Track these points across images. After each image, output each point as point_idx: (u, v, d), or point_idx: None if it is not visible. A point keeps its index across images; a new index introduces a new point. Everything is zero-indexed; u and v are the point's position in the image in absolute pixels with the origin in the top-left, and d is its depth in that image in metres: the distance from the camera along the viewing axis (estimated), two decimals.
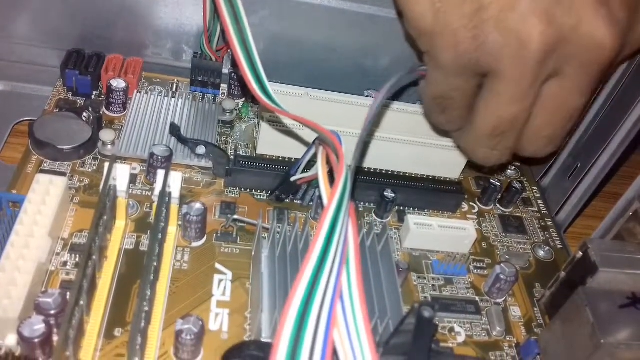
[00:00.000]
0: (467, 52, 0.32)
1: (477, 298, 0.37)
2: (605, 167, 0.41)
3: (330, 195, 0.25)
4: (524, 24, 0.31)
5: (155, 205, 0.32)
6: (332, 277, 0.22)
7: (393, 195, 0.39)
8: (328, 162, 0.31)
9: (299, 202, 0.40)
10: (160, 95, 0.44)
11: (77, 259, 0.32)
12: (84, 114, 0.39)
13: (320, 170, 0.31)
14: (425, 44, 0.34)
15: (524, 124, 0.34)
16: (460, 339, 0.34)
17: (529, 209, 0.45)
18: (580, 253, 0.34)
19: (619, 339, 0.30)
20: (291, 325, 0.21)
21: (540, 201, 0.45)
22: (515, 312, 0.37)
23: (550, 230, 0.43)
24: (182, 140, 0.39)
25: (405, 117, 0.41)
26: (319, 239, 0.23)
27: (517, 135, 0.35)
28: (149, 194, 0.37)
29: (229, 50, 0.45)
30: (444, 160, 0.42)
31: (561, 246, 0.42)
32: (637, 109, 0.38)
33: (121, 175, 0.33)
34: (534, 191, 0.46)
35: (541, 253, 0.41)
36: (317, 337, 0.21)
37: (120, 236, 0.34)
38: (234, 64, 0.43)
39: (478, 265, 0.39)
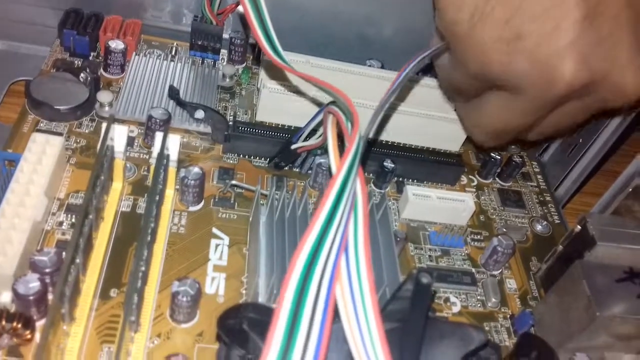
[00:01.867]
0: (493, 70, 0.32)
1: (473, 269, 0.37)
2: (606, 145, 0.41)
3: (343, 157, 0.25)
4: (559, 62, 0.30)
5: (152, 167, 0.32)
6: (338, 234, 0.22)
7: (392, 165, 0.39)
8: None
9: (297, 169, 0.39)
10: (159, 59, 0.43)
11: (72, 219, 0.32)
12: (82, 74, 0.38)
13: (330, 137, 0.30)
14: (453, 44, 0.34)
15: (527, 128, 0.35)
16: (456, 309, 0.35)
17: (528, 183, 0.44)
18: (579, 227, 0.34)
19: (614, 312, 0.30)
20: (296, 280, 0.20)
21: (539, 176, 0.45)
22: (511, 284, 0.37)
23: (549, 205, 0.43)
24: (180, 103, 0.39)
25: (408, 87, 0.41)
26: (328, 199, 0.23)
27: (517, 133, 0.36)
28: (147, 157, 0.37)
29: (229, 14, 0.44)
30: (445, 133, 0.42)
31: (559, 221, 0.42)
32: None
33: (119, 136, 0.32)
34: (533, 166, 0.46)
35: (539, 227, 0.41)
36: (319, 294, 0.20)
37: (117, 198, 0.33)
38: (244, 24, 0.42)
39: (475, 237, 0.39)
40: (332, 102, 0.32)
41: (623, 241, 0.33)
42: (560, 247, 0.36)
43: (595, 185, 0.46)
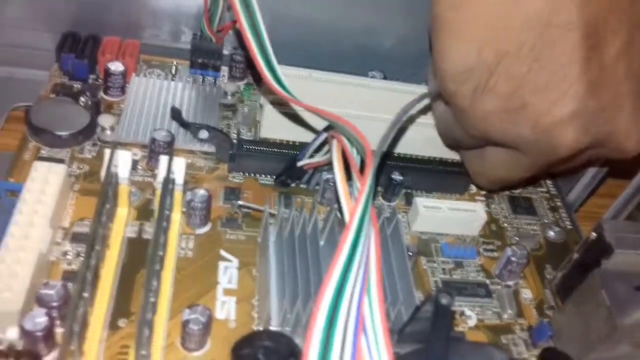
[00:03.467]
0: (495, 136, 0.33)
1: (487, 281, 0.36)
2: None
3: (356, 202, 0.24)
4: (562, 130, 0.30)
5: (158, 192, 0.31)
6: (356, 288, 0.21)
7: (401, 177, 0.38)
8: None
9: (304, 186, 0.39)
10: (160, 78, 0.42)
11: (78, 248, 0.32)
12: (82, 98, 0.38)
13: (336, 169, 0.30)
14: (452, 110, 0.34)
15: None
16: (472, 322, 0.34)
17: (538, 189, 0.44)
18: (594, 234, 0.33)
19: (635, 321, 0.29)
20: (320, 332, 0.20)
21: (549, 181, 0.45)
22: (527, 294, 0.36)
23: (560, 210, 0.42)
24: (183, 124, 0.38)
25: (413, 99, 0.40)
26: (341, 254, 0.22)
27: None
28: (151, 180, 0.36)
29: (229, 32, 0.44)
30: None
31: (572, 227, 0.41)
32: None
33: (123, 162, 0.32)
34: None
35: (551, 234, 0.40)
36: (345, 344, 0.20)
37: (122, 224, 0.33)
38: (242, 45, 0.42)
39: (488, 247, 0.38)
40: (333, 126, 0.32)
41: None
42: (575, 255, 0.35)
43: (609, 186, 0.45)
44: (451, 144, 0.40)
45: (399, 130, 0.40)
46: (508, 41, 0.30)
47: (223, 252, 0.34)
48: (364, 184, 0.25)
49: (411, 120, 0.40)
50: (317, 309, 0.20)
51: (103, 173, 0.33)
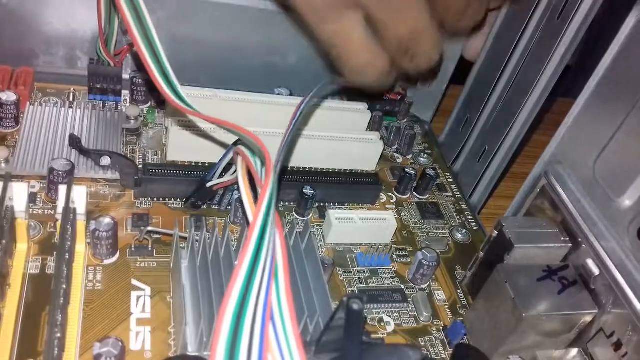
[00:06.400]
0: None
1: (402, 286, 0.37)
2: (511, 149, 0.43)
3: (257, 210, 0.24)
4: None
5: (59, 223, 0.30)
6: (261, 295, 0.21)
7: (312, 191, 0.39)
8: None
9: (216, 207, 0.38)
10: (56, 107, 0.41)
11: None
12: None
13: (241, 182, 0.30)
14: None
15: None
16: (390, 328, 0.35)
17: (444, 194, 0.46)
18: (496, 232, 0.35)
19: (539, 311, 0.31)
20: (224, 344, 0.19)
21: (453, 186, 0.47)
22: (440, 296, 0.37)
23: (466, 213, 0.44)
24: (83, 152, 0.37)
25: (319, 112, 0.41)
26: (245, 259, 0.22)
27: None
28: (52, 212, 0.34)
29: (127, 55, 0.43)
30: (359, 153, 0.43)
31: (477, 227, 0.43)
32: (535, 92, 0.40)
33: (18, 194, 0.30)
34: (447, 176, 0.47)
35: (459, 236, 0.42)
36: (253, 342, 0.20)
37: (23, 260, 0.31)
38: (141, 68, 0.41)
39: (400, 253, 0.39)
40: (239, 141, 0.32)
41: (538, 241, 0.34)
42: (481, 254, 0.37)
43: (507, 188, 0.48)
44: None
45: (305, 145, 0.40)
46: None
47: (134, 281, 0.32)
48: (266, 187, 0.25)
49: (317, 134, 0.40)
50: (223, 312, 0.20)
51: None
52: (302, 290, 0.31)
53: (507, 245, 0.34)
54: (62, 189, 0.30)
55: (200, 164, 0.40)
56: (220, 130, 0.38)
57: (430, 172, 0.44)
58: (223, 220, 0.38)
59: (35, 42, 0.42)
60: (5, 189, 0.29)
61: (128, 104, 0.43)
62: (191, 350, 0.28)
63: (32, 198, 0.35)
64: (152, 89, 0.42)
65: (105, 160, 0.36)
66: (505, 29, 0.44)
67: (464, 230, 0.43)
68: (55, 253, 0.32)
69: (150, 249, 0.34)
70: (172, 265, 0.34)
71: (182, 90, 0.32)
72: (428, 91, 0.51)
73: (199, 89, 0.40)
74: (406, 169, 0.43)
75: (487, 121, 0.45)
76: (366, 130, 0.45)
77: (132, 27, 0.31)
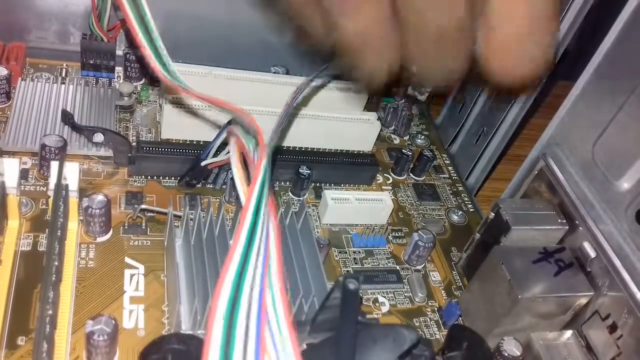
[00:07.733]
0: None
1: (397, 267, 0.37)
2: (509, 131, 0.42)
3: (249, 191, 0.24)
4: None
5: (51, 200, 0.30)
6: (259, 262, 0.21)
7: (308, 171, 0.38)
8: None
9: (210, 186, 0.38)
10: (49, 82, 0.40)
11: None
12: None
13: (234, 164, 0.29)
14: None
15: None
16: (385, 308, 0.34)
17: (441, 175, 0.45)
18: (493, 214, 0.35)
19: (534, 293, 0.31)
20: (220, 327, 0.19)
21: (450, 167, 0.46)
22: (435, 277, 0.37)
23: (462, 194, 0.44)
24: (76, 128, 0.36)
25: (316, 92, 0.41)
26: (238, 242, 0.22)
27: None
28: (44, 189, 0.34)
29: (121, 30, 0.42)
30: (356, 133, 0.42)
31: (473, 209, 0.43)
32: None
33: (9, 169, 0.30)
34: (443, 158, 0.47)
35: (455, 217, 0.42)
36: (248, 341, 0.19)
37: (14, 237, 0.31)
38: (133, 44, 0.40)
39: (396, 234, 0.39)
40: (234, 120, 0.31)
41: (535, 223, 0.34)
42: (477, 235, 0.36)
43: (504, 170, 0.48)
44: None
45: (302, 124, 0.40)
46: None
47: (128, 259, 0.32)
48: (258, 169, 0.24)
49: (314, 114, 0.40)
50: (216, 297, 0.19)
51: None
52: (297, 270, 0.30)
53: (504, 227, 0.34)
54: (54, 165, 0.30)
55: (194, 142, 0.39)
56: (215, 108, 0.37)
57: (427, 153, 0.43)
58: (218, 199, 0.37)
59: (27, 17, 0.41)
60: None
61: (121, 81, 0.43)
62: (185, 329, 0.28)
63: (24, 174, 0.34)
64: (145, 66, 0.42)
65: (99, 137, 0.36)
66: None
67: (460, 212, 0.42)
68: (47, 230, 0.31)
69: (144, 227, 0.34)
70: (165, 243, 0.33)
71: (176, 67, 0.31)
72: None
73: (193, 66, 0.39)
74: (403, 150, 0.43)
75: (485, 103, 0.45)
76: (363, 111, 0.44)
77: (123, 1, 0.30)
